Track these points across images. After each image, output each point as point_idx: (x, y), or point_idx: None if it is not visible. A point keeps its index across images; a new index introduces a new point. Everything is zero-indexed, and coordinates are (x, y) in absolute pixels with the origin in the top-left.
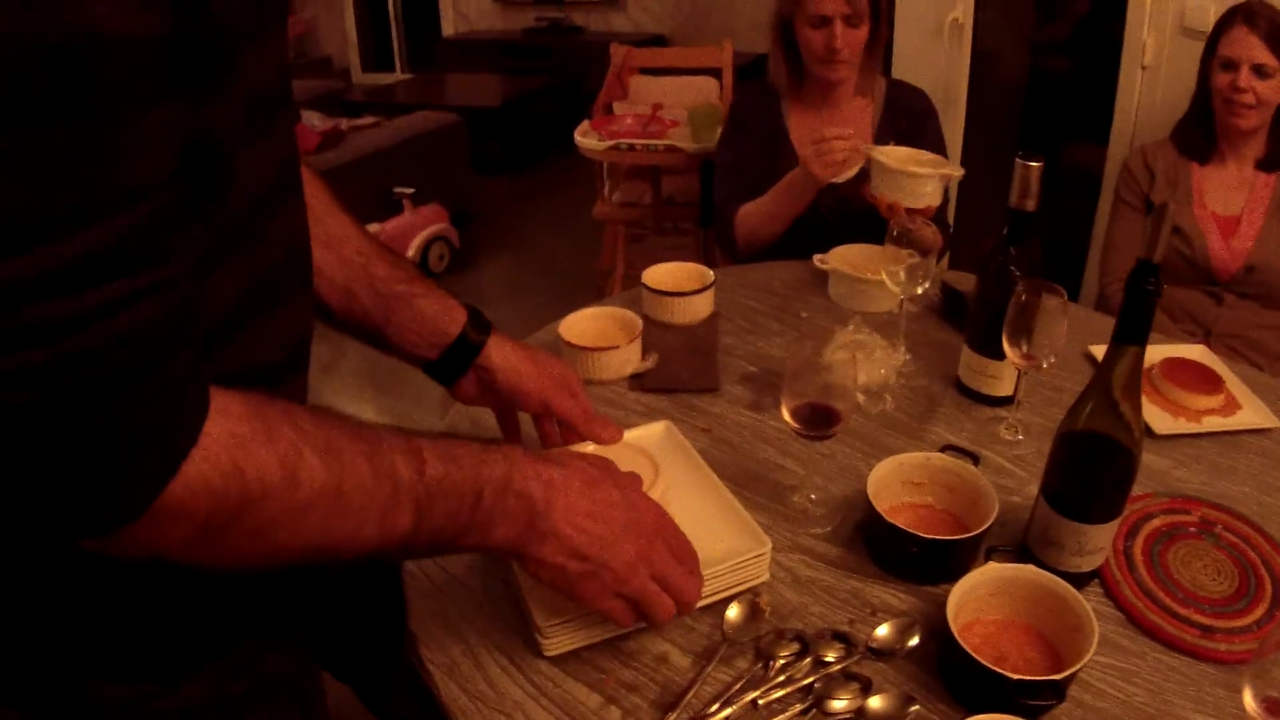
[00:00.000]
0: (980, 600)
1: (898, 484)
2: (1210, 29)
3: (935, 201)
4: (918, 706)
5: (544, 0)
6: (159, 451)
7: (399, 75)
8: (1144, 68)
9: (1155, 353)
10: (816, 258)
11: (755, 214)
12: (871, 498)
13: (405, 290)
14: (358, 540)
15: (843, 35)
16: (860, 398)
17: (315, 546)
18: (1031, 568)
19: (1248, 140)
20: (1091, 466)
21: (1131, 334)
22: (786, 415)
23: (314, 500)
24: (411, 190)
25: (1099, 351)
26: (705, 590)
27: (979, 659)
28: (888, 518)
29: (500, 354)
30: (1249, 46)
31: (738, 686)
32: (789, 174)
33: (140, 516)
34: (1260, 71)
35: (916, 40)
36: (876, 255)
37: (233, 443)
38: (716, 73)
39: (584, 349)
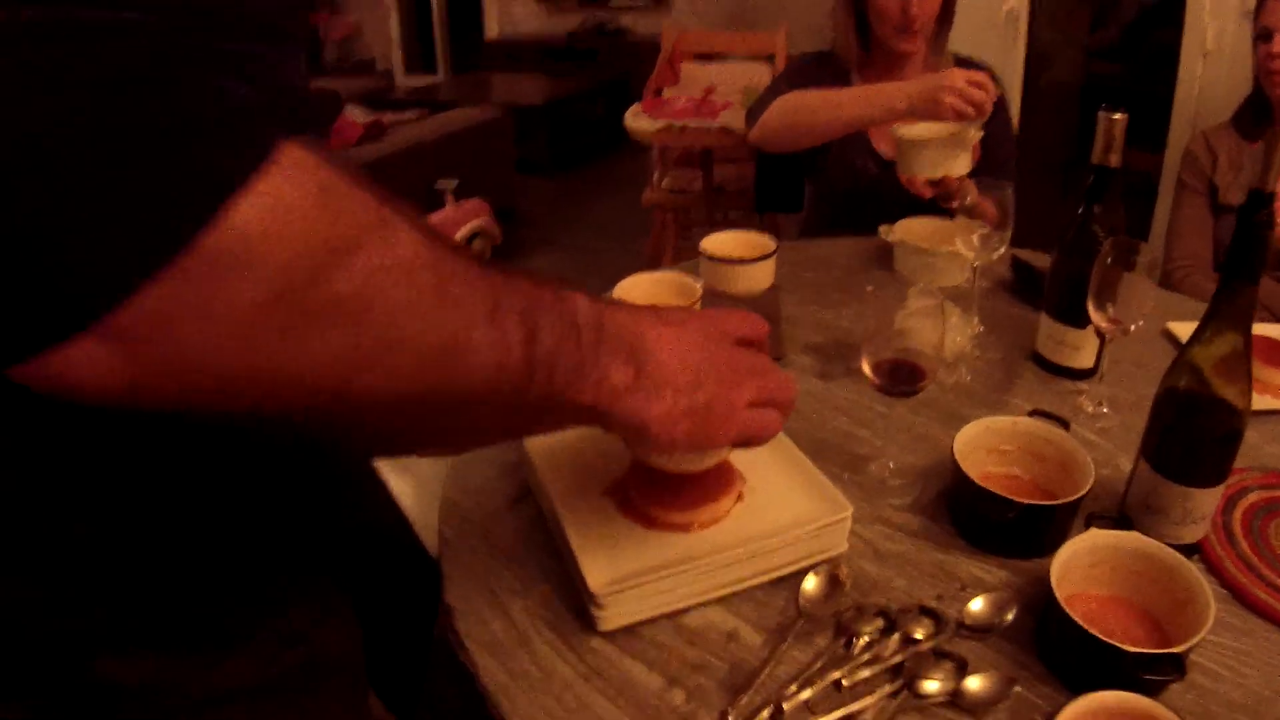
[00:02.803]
0: (1081, 572)
1: (982, 452)
2: None
3: (954, 170)
4: (1019, 688)
5: (590, 2)
6: (231, 146)
7: (442, 78)
8: (1206, 54)
9: None
10: (882, 228)
11: (808, 100)
12: (959, 460)
13: None
14: (470, 348)
15: (918, 2)
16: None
17: (421, 348)
18: (1136, 535)
19: None
20: (1199, 422)
21: (1243, 269)
22: (867, 370)
23: (413, 262)
24: (455, 183)
25: (1178, 328)
26: (779, 560)
27: (1093, 632)
28: None
29: None
30: None
31: (818, 665)
32: (884, 84)
33: (205, 229)
34: None
35: (971, 31)
36: (944, 227)
37: (318, 166)
38: (770, 59)
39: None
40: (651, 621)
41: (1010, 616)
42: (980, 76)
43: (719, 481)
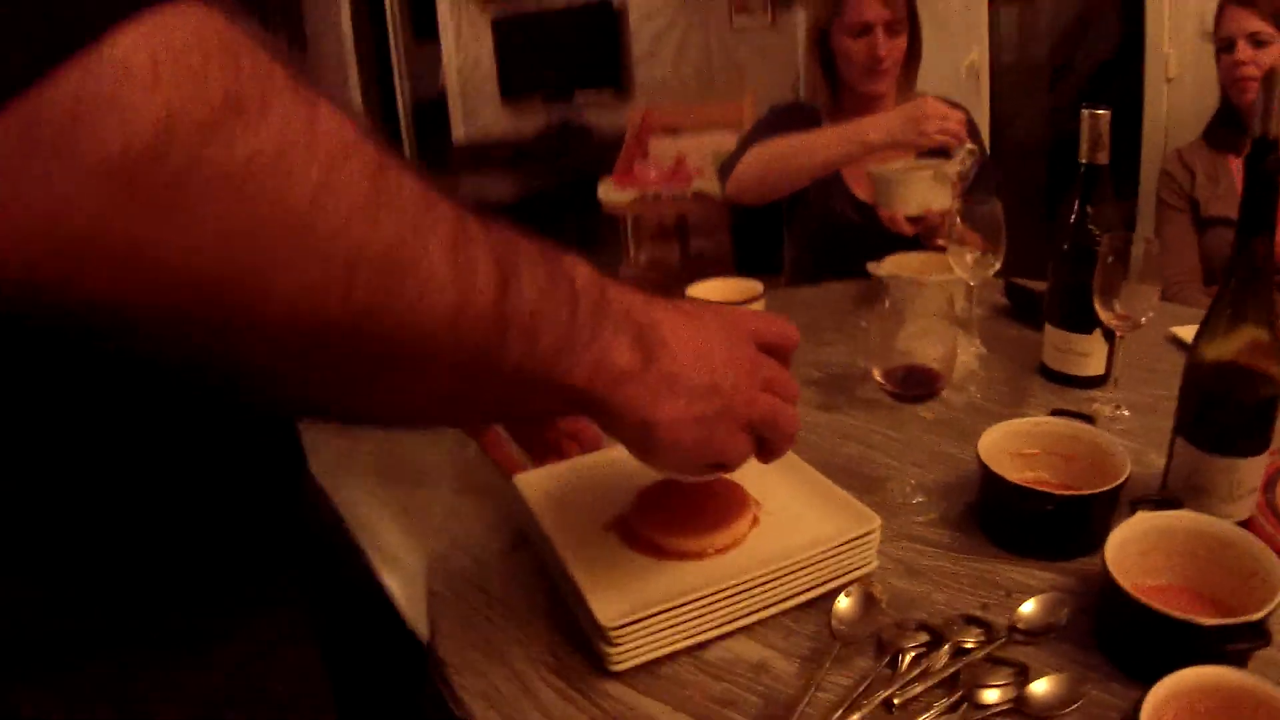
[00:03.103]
0: (1133, 561)
1: (1006, 457)
2: None
3: (935, 204)
4: (1091, 688)
5: (554, 98)
6: None
7: None
8: (1169, 80)
9: None
10: (870, 265)
11: (780, 147)
12: (986, 462)
13: None
14: (416, 272)
15: (885, 43)
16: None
17: (346, 254)
18: (1189, 513)
19: None
20: (1235, 387)
21: (1259, 222)
22: (878, 377)
23: (341, 147)
24: None
25: (1184, 332)
26: (806, 581)
27: (1165, 610)
28: None
29: None
30: (1240, 19)
31: (863, 687)
32: (858, 120)
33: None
34: (1256, 40)
35: (932, 86)
36: (934, 260)
37: (232, 26)
38: (737, 127)
39: None
40: (670, 658)
41: (1066, 614)
42: (948, 108)
43: (731, 505)
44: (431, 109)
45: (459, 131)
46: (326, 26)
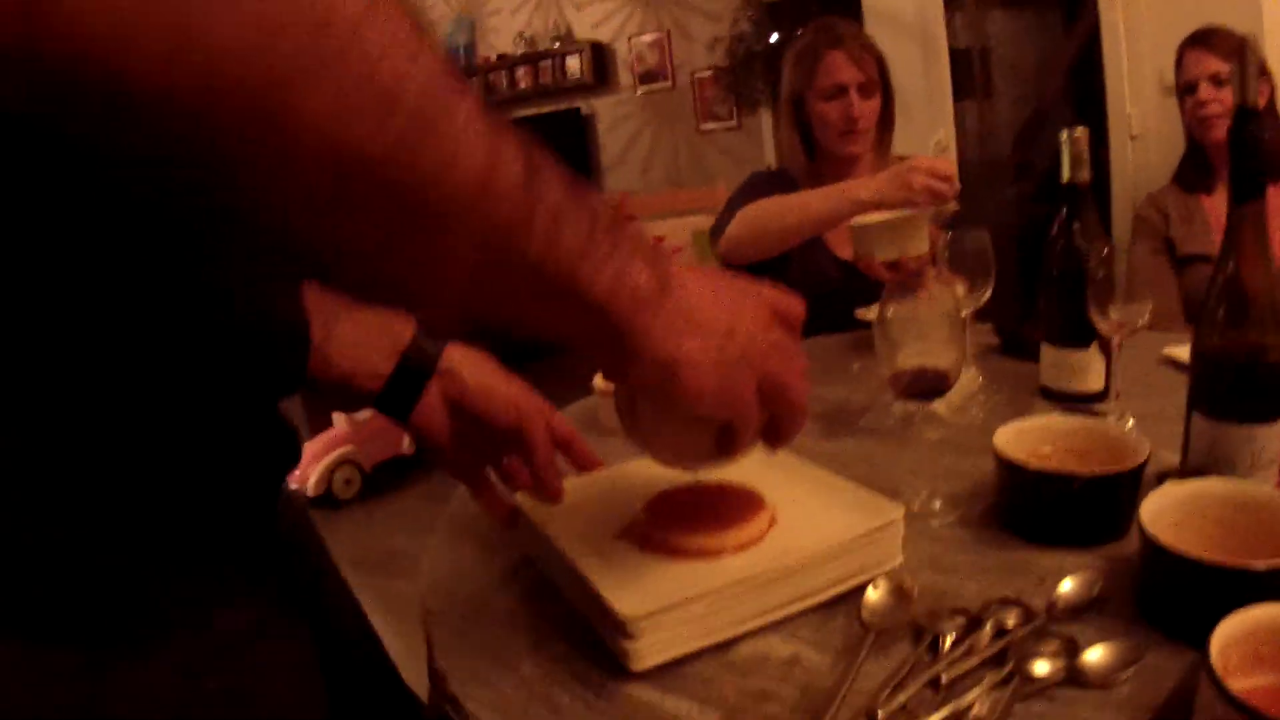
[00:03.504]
0: (1168, 532)
1: (1021, 456)
2: None
3: (910, 251)
4: (1147, 655)
5: None
6: None
7: None
8: (1133, 138)
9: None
10: (859, 311)
11: (772, 206)
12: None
13: (345, 301)
14: (448, 130)
15: (859, 105)
16: (942, 409)
17: (381, 91)
18: (1219, 479)
19: None
20: (1248, 352)
21: (1250, 187)
22: (886, 376)
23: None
24: None
25: (1177, 351)
26: (832, 575)
27: (1216, 560)
28: None
29: (462, 353)
30: (1201, 62)
31: (906, 670)
32: (849, 180)
33: None
34: (1218, 81)
35: None
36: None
37: None
38: (712, 210)
39: None
40: (693, 659)
41: (1106, 590)
42: (941, 160)
43: (747, 504)
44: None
45: None
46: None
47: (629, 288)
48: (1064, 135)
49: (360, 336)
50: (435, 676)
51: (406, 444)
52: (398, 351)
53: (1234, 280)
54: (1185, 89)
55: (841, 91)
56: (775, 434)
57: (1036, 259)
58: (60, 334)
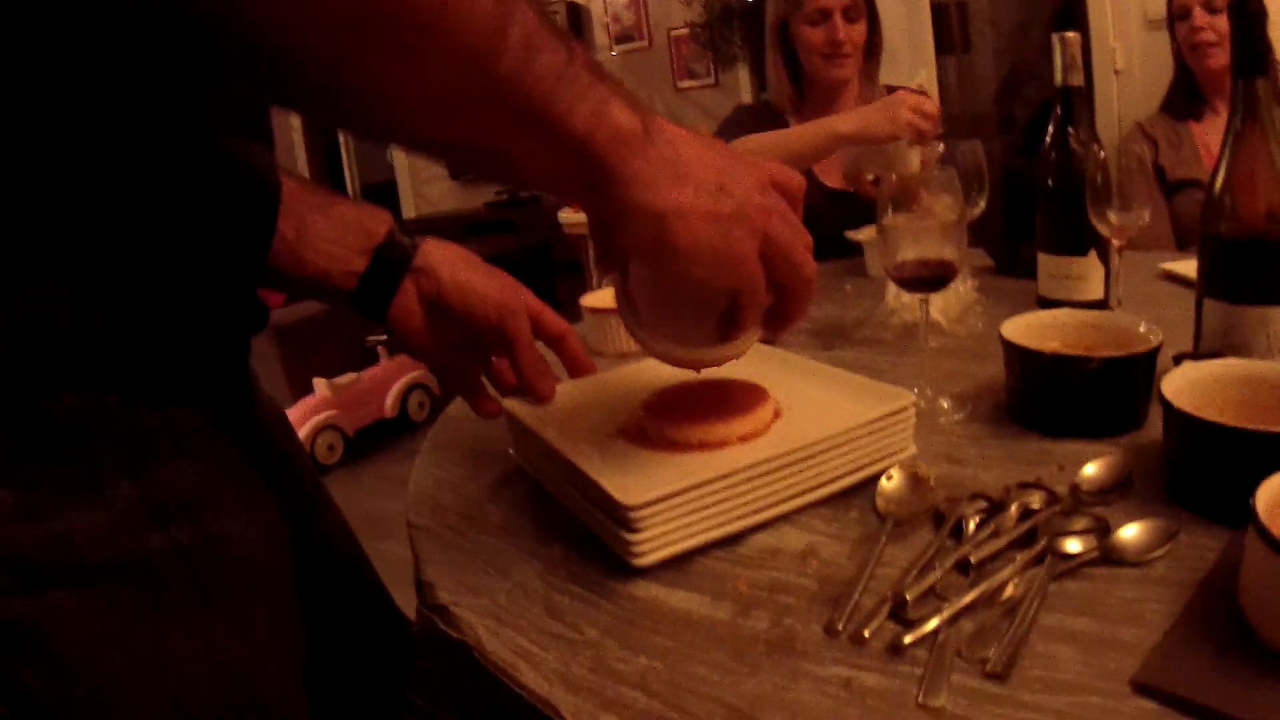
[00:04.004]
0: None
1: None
2: None
3: (899, 170)
4: (1180, 534)
5: None
6: None
7: None
8: (1117, 72)
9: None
10: (849, 233)
11: (754, 143)
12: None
13: (320, 199)
14: None
15: (844, 28)
16: (941, 318)
17: None
18: (1237, 360)
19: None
20: (1256, 234)
21: (1252, 63)
22: (888, 270)
23: None
24: (385, 337)
25: (1175, 266)
26: (843, 464)
27: (1251, 426)
28: None
29: (440, 250)
30: None
31: (931, 553)
32: (828, 116)
33: None
34: (1211, 7)
35: None
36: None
37: None
38: None
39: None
40: (700, 554)
41: (1131, 474)
42: (922, 96)
43: (750, 395)
44: (381, 191)
45: (409, 210)
46: (276, 115)
47: (610, 125)
48: (1054, 39)
49: (334, 234)
50: (423, 589)
51: (389, 407)
52: (372, 248)
53: (1243, 160)
54: (1179, 14)
55: (826, 16)
56: (780, 312)
57: (1022, 210)
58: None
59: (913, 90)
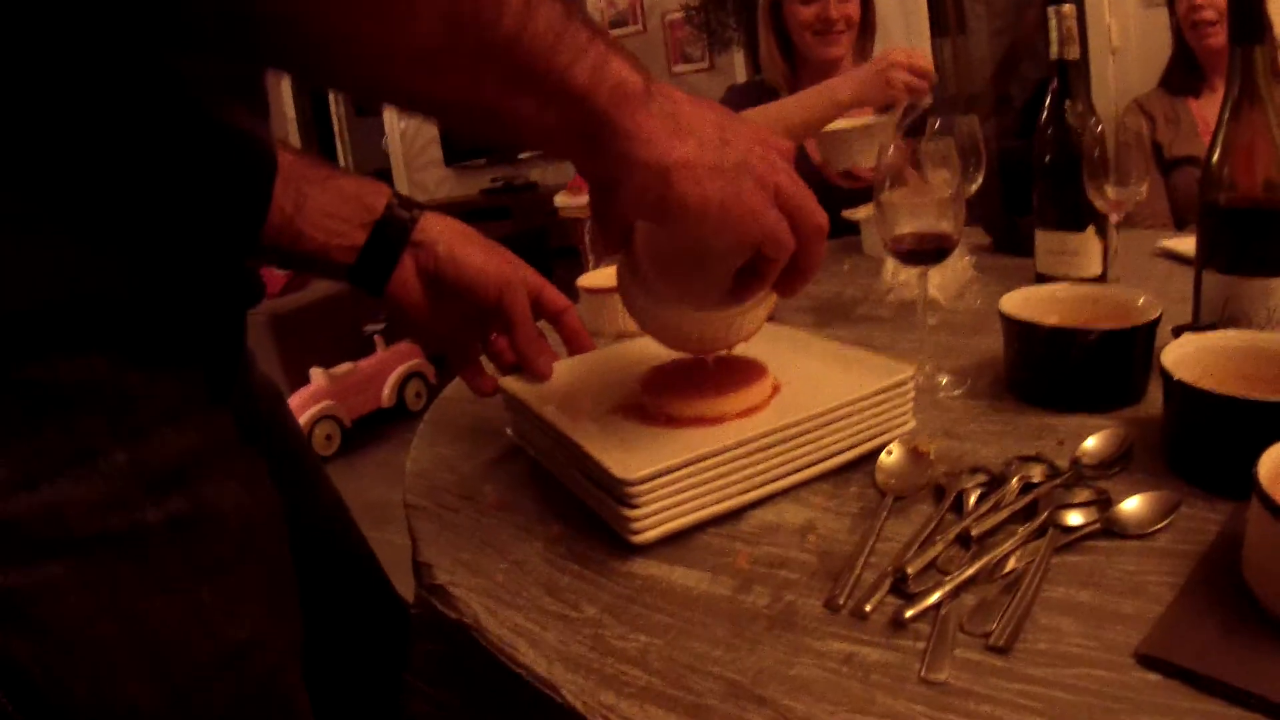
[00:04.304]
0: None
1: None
2: None
3: (862, 162)
4: (1181, 507)
5: (497, 161)
6: None
7: None
8: (1114, 51)
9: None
10: (845, 212)
11: (752, 115)
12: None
13: (318, 173)
14: None
15: (835, 5)
16: (938, 295)
17: None
18: (1237, 331)
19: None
20: (1255, 204)
21: (1248, 31)
22: (886, 244)
23: None
24: (383, 325)
25: (1173, 244)
26: (842, 439)
27: (1254, 396)
28: None
29: (440, 224)
30: None
31: (932, 527)
32: (825, 82)
33: None
34: None
35: None
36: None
37: None
38: None
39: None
40: (699, 531)
41: (1132, 447)
42: (912, 50)
43: (748, 371)
44: (376, 176)
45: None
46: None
47: (611, 80)
48: (1050, 12)
49: (332, 207)
50: (420, 570)
51: (386, 396)
52: (371, 222)
53: (1241, 129)
54: None
55: None
56: (796, 266)
57: (1019, 187)
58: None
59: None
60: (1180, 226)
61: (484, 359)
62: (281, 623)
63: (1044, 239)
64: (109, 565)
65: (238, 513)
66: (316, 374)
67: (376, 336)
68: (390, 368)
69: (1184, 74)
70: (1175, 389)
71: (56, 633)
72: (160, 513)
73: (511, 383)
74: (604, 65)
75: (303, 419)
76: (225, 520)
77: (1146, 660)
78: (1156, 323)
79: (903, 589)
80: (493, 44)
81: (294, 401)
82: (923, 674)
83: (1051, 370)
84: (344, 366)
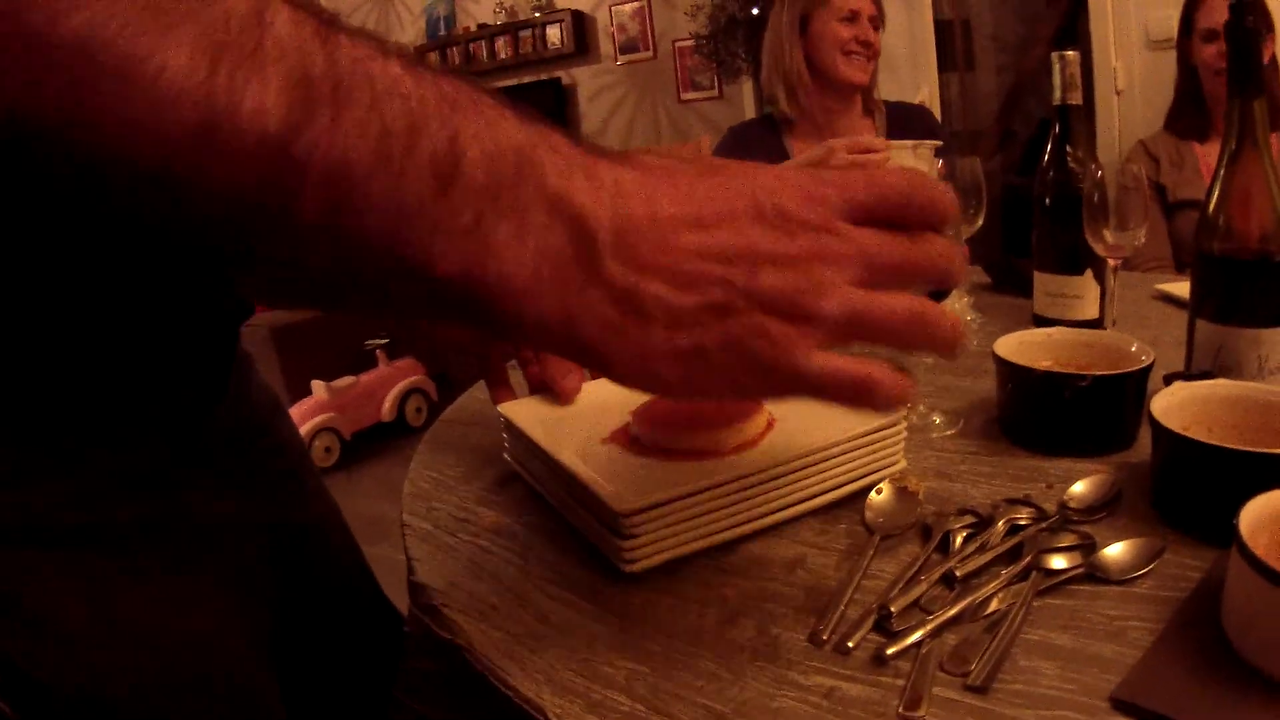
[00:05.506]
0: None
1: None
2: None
3: None
4: (1168, 552)
5: None
6: None
7: None
8: (1119, 92)
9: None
10: None
11: None
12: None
13: None
14: (152, 67)
15: (871, 33)
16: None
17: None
18: (1227, 381)
19: None
20: (1250, 254)
21: (1247, 84)
22: None
23: None
24: (385, 341)
25: (1170, 288)
26: (834, 477)
27: (1239, 446)
28: None
29: None
30: (1224, 9)
31: (918, 567)
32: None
33: None
34: None
35: None
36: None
37: None
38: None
39: None
40: (688, 563)
41: (1119, 492)
42: (864, 140)
43: (743, 406)
44: None
45: None
46: None
47: (497, 247)
48: (1054, 57)
49: None
50: (415, 590)
51: (386, 411)
52: None
53: (1238, 181)
54: (1205, 36)
55: (855, 17)
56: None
57: (1018, 226)
58: None
59: (907, 108)
60: (1181, 269)
61: (512, 372)
62: (249, 624)
63: (1042, 281)
64: (85, 557)
65: (211, 519)
66: (317, 386)
67: (379, 351)
68: (392, 383)
69: (1190, 118)
70: (1162, 436)
71: (34, 618)
72: (136, 511)
73: (508, 409)
74: (478, 226)
75: (302, 431)
76: (197, 524)
77: (1121, 705)
78: (1149, 370)
79: (886, 626)
80: (291, 227)
81: (294, 413)
82: (901, 710)
83: (1044, 414)
84: (345, 380)
